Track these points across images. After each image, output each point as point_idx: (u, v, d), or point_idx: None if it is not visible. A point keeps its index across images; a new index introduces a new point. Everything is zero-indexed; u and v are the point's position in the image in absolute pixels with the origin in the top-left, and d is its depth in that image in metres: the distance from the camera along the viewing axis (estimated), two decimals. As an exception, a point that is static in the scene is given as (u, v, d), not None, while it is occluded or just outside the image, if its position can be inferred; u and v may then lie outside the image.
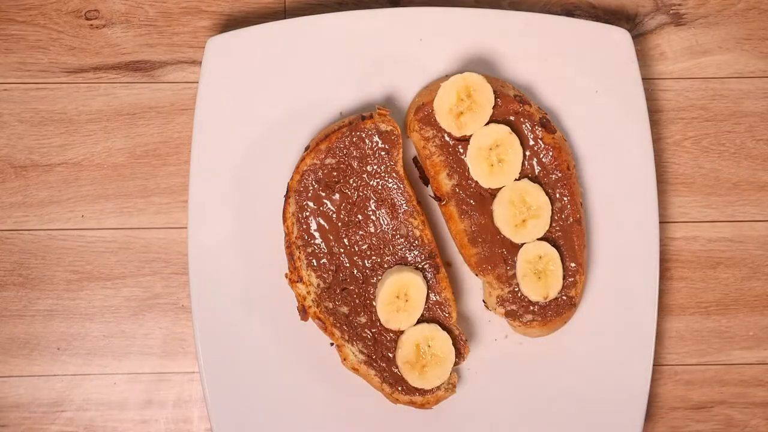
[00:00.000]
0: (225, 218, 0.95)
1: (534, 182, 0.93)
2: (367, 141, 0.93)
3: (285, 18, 1.02)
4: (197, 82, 0.97)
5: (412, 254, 0.93)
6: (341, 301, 0.93)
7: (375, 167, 0.93)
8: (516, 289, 0.93)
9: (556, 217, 0.93)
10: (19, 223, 1.01)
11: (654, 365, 0.96)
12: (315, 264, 0.93)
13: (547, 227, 0.93)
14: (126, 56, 1.02)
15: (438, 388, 0.93)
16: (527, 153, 0.93)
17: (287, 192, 0.93)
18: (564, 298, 0.93)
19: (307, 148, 0.93)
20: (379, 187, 0.93)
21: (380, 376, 0.93)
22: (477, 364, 0.96)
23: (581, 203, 0.94)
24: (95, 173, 1.01)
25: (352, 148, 0.93)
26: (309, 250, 0.93)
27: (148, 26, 1.02)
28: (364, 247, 0.93)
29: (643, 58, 1.03)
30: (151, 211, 1.01)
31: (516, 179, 0.93)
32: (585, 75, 0.97)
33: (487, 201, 0.94)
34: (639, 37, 1.03)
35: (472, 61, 0.97)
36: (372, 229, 0.93)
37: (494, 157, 0.92)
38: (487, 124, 0.93)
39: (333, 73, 0.97)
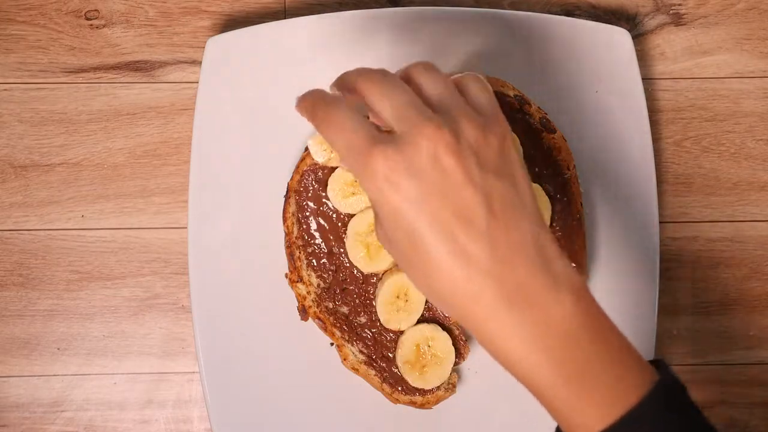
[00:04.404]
0: (225, 218, 0.95)
1: (534, 182, 0.93)
2: (367, 141, 0.93)
3: (285, 18, 1.02)
4: (197, 82, 0.97)
5: (412, 254, 0.93)
6: (341, 301, 0.93)
7: (375, 167, 0.93)
8: (516, 289, 0.93)
9: (556, 217, 0.93)
10: (19, 223, 1.01)
11: (654, 365, 0.96)
12: (315, 264, 0.93)
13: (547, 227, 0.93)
14: (126, 56, 1.02)
15: (438, 388, 0.93)
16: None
17: (287, 192, 0.93)
18: (564, 298, 0.93)
19: (307, 148, 0.93)
20: (379, 187, 0.93)
21: (380, 376, 0.93)
22: (477, 364, 0.96)
23: (581, 203, 0.94)
24: (95, 173, 1.01)
25: (352, 148, 0.93)
26: (309, 250, 0.93)
27: (148, 26, 1.02)
28: (364, 247, 0.93)
29: (643, 58, 1.03)
30: (151, 211, 1.01)
31: (516, 179, 0.93)
32: (585, 75, 0.97)
33: (487, 201, 0.94)
34: (639, 37, 1.03)
35: (472, 61, 0.97)
36: (372, 229, 0.93)
37: (494, 157, 0.92)
38: (487, 124, 0.93)
39: (333, 73, 0.96)
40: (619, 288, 0.96)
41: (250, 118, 0.96)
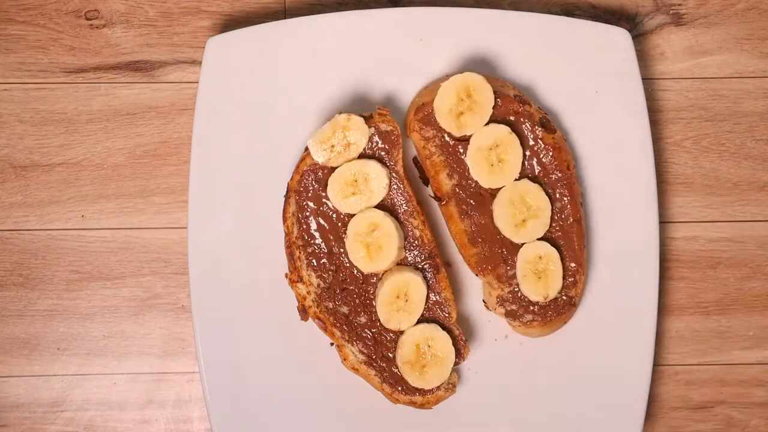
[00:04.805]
0: (225, 218, 0.95)
1: (534, 182, 0.93)
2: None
3: (285, 18, 1.02)
4: (197, 82, 0.97)
5: (412, 254, 0.93)
6: (341, 301, 0.93)
7: (375, 167, 0.93)
8: (516, 289, 0.93)
9: (556, 217, 0.93)
10: (19, 223, 1.01)
11: (654, 365, 0.97)
12: (315, 264, 0.93)
13: (547, 227, 0.93)
14: (126, 56, 1.02)
15: (438, 388, 0.93)
16: (527, 153, 0.93)
17: (287, 192, 0.93)
18: (564, 298, 0.93)
19: (307, 148, 0.93)
20: (379, 187, 0.93)
21: (380, 376, 0.93)
22: (477, 364, 0.96)
23: (581, 203, 0.94)
24: (95, 173, 1.01)
25: (352, 148, 0.93)
26: (309, 250, 0.93)
27: (148, 26, 1.02)
28: (364, 247, 0.93)
29: (643, 58, 1.03)
30: (151, 211, 1.01)
31: (516, 179, 0.93)
32: (585, 75, 0.97)
33: (487, 201, 0.94)
34: (639, 37, 1.03)
35: (472, 61, 0.97)
36: (372, 229, 0.93)
37: (494, 157, 0.92)
38: (487, 124, 0.93)
39: (333, 73, 0.97)
40: (619, 288, 0.96)
41: (250, 118, 0.96)
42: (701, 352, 1.02)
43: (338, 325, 0.93)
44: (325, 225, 0.93)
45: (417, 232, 0.93)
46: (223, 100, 0.96)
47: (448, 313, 0.93)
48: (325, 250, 0.93)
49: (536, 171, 0.94)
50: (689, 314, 1.02)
